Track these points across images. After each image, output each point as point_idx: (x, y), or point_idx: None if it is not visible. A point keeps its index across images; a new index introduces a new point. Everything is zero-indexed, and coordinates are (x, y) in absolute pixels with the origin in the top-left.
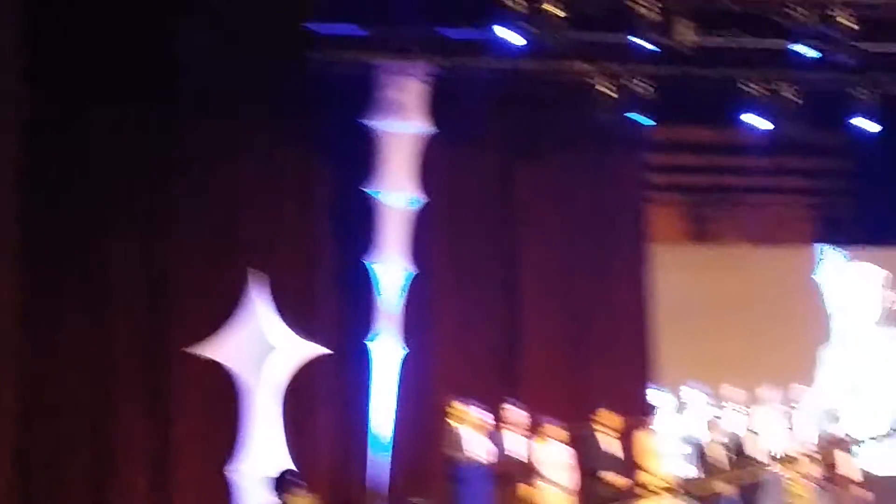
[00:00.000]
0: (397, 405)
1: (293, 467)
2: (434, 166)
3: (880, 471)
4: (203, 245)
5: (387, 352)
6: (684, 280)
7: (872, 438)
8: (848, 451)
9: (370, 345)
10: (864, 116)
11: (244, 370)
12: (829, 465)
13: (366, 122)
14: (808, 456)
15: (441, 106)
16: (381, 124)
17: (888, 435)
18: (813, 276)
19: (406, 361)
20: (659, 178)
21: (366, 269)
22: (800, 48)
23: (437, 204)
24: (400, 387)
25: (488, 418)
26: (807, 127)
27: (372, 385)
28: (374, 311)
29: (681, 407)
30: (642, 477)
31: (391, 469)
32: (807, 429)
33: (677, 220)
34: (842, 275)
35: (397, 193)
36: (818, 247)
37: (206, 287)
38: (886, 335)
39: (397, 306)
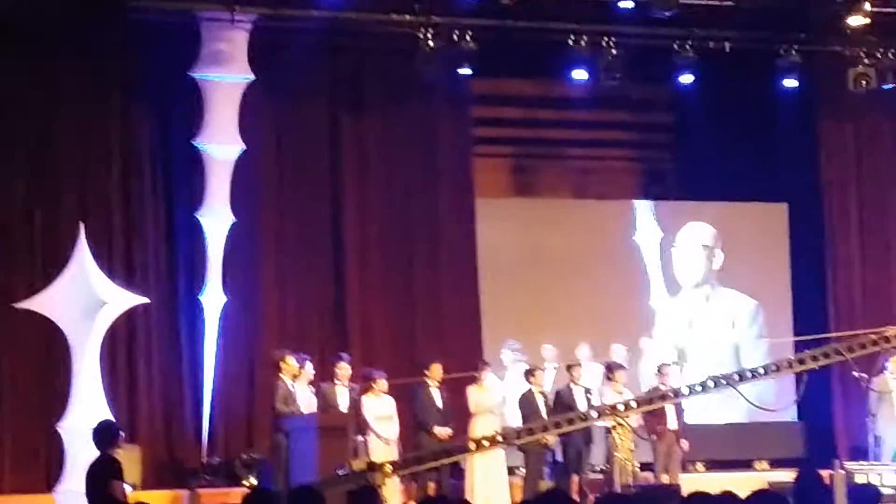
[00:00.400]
0: (224, 357)
1: (115, 419)
2: (259, 116)
3: (697, 420)
4: (27, 199)
5: (214, 303)
6: (508, 233)
7: (692, 391)
8: (668, 402)
9: (200, 297)
10: (684, 71)
11: (73, 325)
12: (650, 416)
13: (190, 73)
14: (630, 407)
15: (266, 56)
16: (206, 75)
17: (705, 387)
18: (634, 238)
19: (231, 312)
20: (482, 132)
21: (193, 222)
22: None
23: (262, 154)
24: (226, 338)
25: (315, 370)
26: (628, 81)
27: (201, 336)
28: (203, 263)
29: (507, 361)
30: (470, 429)
31: (219, 420)
32: (629, 381)
33: (501, 173)
34: (663, 233)
35: (223, 145)
36: (641, 203)
37: (33, 242)
38: (709, 293)
39: (222, 257)
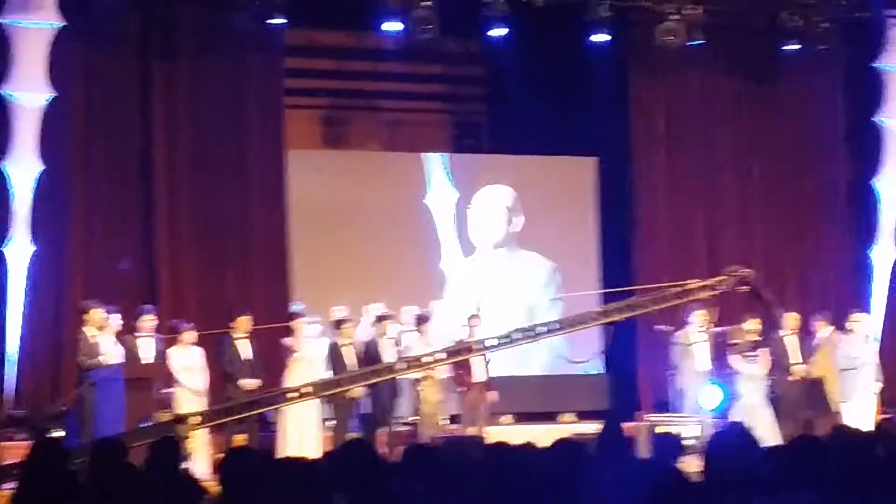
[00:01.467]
0: (31, 308)
1: None
2: (69, 63)
3: (504, 372)
4: None
5: (19, 254)
6: (319, 185)
7: (499, 343)
8: (476, 354)
9: (3, 249)
10: (497, 24)
11: None
12: (458, 369)
13: None
14: (437, 360)
15: (76, 2)
16: (13, 21)
17: (512, 339)
18: (425, 200)
19: (39, 263)
20: (294, 83)
21: None
22: None
23: (71, 102)
24: (33, 289)
25: (121, 321)
26: (441, 34)
27: (5, 288)
28: (8, 214)
29: (317, 313)
30: (284, 381)
31: (24, 372)
32: (436, 335)
33: (312, 124)
34: (472, 188)
35: (30, 92)
36: (449, 156)
37: None
38: (506, 255)
39: (30, 207)
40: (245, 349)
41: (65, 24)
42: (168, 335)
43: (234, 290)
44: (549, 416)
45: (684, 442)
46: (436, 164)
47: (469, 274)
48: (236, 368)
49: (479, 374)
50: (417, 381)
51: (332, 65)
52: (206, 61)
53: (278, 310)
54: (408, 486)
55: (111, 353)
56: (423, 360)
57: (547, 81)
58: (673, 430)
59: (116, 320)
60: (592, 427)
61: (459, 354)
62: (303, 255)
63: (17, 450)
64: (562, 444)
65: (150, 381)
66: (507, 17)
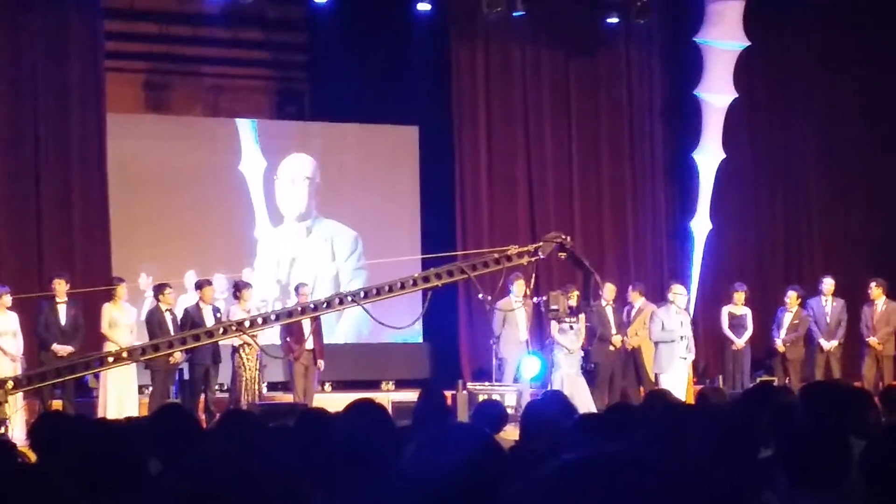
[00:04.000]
0: None
1: None
2: None
3: (331, 339)
4: None
5: None
6: (140, 150)
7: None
8: (294, 319)
9: None
10: None
11: None
12: (288, 336)
13: None
14: (256, 324)
15: None
16: None
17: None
18: (239, 168)
19: None
20: (115, 46)
21: None
22: None
23: None
24: None
25: None
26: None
27: None
28: None
29: (133, 279)
30: (105, 347)
31: None
32: (253, 303)
33: (133, 88)
34: (262, 163)
35: None
36: (265, 123)
37: None
38: (310, 225)
39: None
40: (62, 314)
41: None
42: None
43: (52, 253)
44: (368, 385)
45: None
46: (248, 130)
47: (277, 243)
48: (51, 334)
49: (308, 341)
50: (237, 348)
51: (153, 28)
52: (25, 21)
53: (97, 274)
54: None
55: None
56: (243, 324)
57: (370, 50)
58: (492, 398)
59: None
60: (411, 395)
61: (279, 319)
62: (120, 220)
63: None
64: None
65: None
66: None
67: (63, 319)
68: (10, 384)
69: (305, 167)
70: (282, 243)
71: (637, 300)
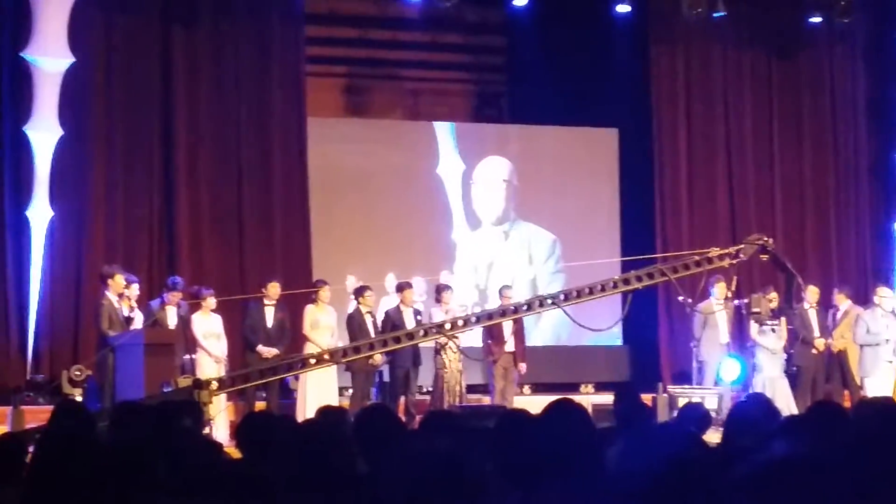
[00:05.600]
0: (50, 273)
1: None
2: (90, 28)
3: (531, 342)
4: None
5: (41, 218)
6: (340, 153)
7: (517, 310)
8: (495, 321)
9: (27, 213)
10: None
11: None
12: (489, 338)
13: None
14: (456, 326)
15: None
16: None
17: (531, 306)
18: (437, 171)
19: (58, 227)
20: (316, 50)
21: (20, 135)
22: None
23: (92, 67)
24: (53, 254)
25: (140, 287)
26: (462, 3)
27: (28, 253)
28: (30, 177)
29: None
30: (306, 349)
31: (44, 337)
32: (455, 305)
33: (334, 92)
34: (461, 166)
35: (51, 57)
36: (465, 126)
37: None
38: (508, 229)
39: (50, 172)
40: (269, 316)
41: None
42: (190, 301)
43: (254, 257)
44: (567, 387)
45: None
46: (446, 133)
47: (475, 246)
48: (257, 336)
49: (509, 343)
50: (438, 350)
51: (353, 33)
52: (228, 28)
53: (298, 277)
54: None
55: (131, 318)
56: (443, 326)
57: (568, 52)
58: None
59: (136, 286)
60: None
61: (480, 321)
62: (321, 224)
63: (38, 413)
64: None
65: (171, 346)
66: None
67: (270, 322)
68: (214, 385)
69: (502, 170)
70: (479, 247)
71: (843, 303)
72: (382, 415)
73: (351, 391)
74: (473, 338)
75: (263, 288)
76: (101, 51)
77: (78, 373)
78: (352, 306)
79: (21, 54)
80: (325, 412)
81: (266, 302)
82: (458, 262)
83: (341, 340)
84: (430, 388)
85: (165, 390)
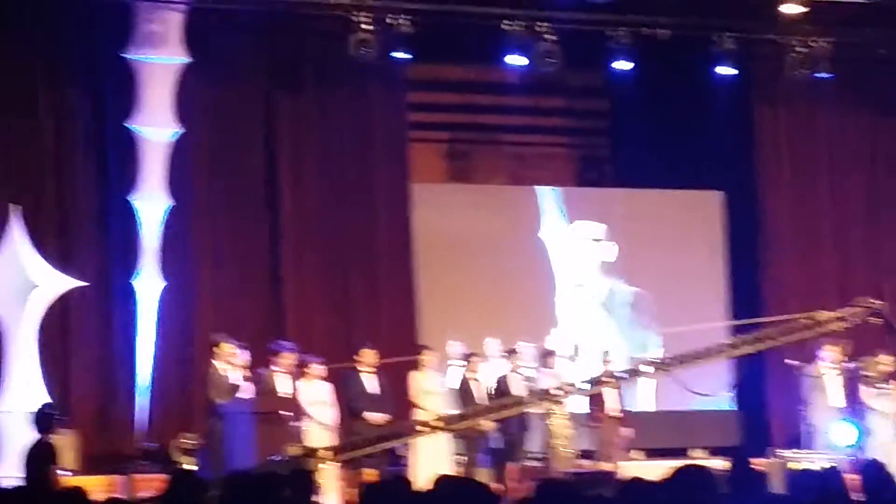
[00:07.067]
0: (160, 341)
1: (53, 402)
2: (195, 98)
3: (633, 407)
4: None
5: (148, 287)
6: (443, 218)
7: (626, 375)
8: (602, 387)
9: (133, 282)
10: (620, 57)
11: (5, 308)
12: (592, 403)
13: (124, 54)
14: (564, 392)
15: (201, 37)
16: (140, 56)
17: (639, 372)
18: (539, 235)
19: (167, 296)
20: (418, 116)
21: (127, 205)
22: None
23: (198, 136)
24: (162, 322)
25: (249, 355)
26: (564, 67)
27: (135, 321)
28: (137, 247)
29: (445, 347)
30: (413, 415)
31: (154, 405)
32: (562, 369)
33: (437, 158)
34: (564, 229)
35: (158, 127)
36: (570, 190)
37: None
38: (604, 287)
39: (159, 241)
40: (371, 383)
41: (190, 59)
42: (297, 369)
43: (360, 324)
44: (677, 452)
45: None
46: (549, 198)
47: (577, 310)
48: (361, 402)
49: (613, 408)
50: (547, 415)
51: (456, 98)
52: (331, 95)
53: (404, 342)
54: None
55: (241, 386)
56: (550, 392)
57: (671, 115)
58: (805, 466)
59: (245, 354)
60: (723, 463)
61: (588, 388)
62: (425, 288)
63: (150, 482)
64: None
65: (280, 414)
66: (630, 50)
67: (373, 388)
68: (323, 453)
69: (598, 232)
70: (581, 309)
71: None
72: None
73: (461, 457)
74: (580, 402)
75: (356, 355)
76: (206, 119)
77: (189, 441)
78: (453, 371)
79: (126, 124)
80: (444, 482)
81: (362, 368)
82: (561, 325)
83: (448, 406)
84: (540, 454)
85: (276, 459)
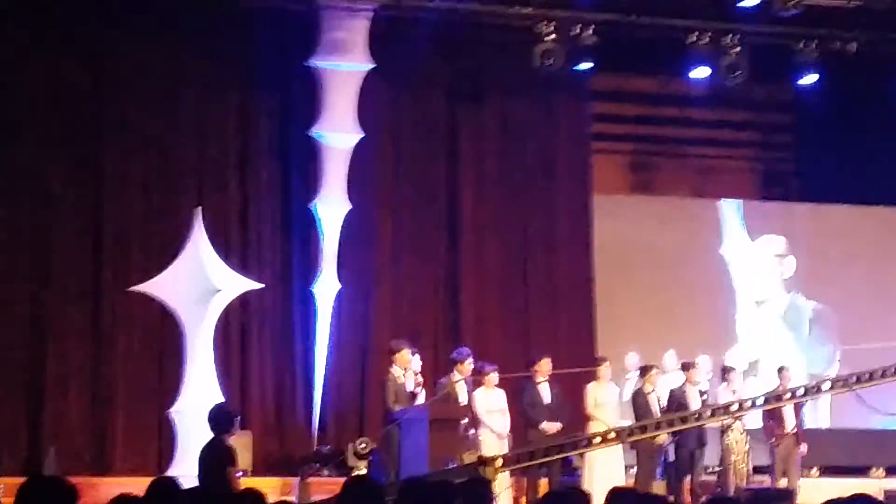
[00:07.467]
0: (336, 346)
1: (231, 405)
2: (377, 105)
3: (812, 424)
4: (145, 186)
5: (327, 292)
6: (625, 230)
7: (807, 392)
8: (784, 403)
9: (313, 286)
10: (807, 70)
11: (187, 309)
12: (769, 419)
13: (309, 61)
14: (744, 408)
15: (385, 45)
16: (325, 63)
17: (820, 389)
18: (720, 251)
19: (345, 301)
20: (601, 127)
21: (308, 210)
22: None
23: (379, 143)
24: (339, 327)
25: (423, 361)
26: (750, 80)
27: (314, 325)
28: (317, 251)
29: (623, 358)
30: (588, 426)
31: (330, 409)
32: (740, 385)
33: (619, 169)
34: (746, 244)
35: (340, 133)
36: (753, 204)
37: (150, 227)
38: (785, 303)
39: (336, 245)
40: (545, 392)
41: (375, 66)
42: (473, 377)
43: (537, 333)
44: (858, 471)
45: None
46: (732, 211)
47: (756, 325)
48: (538, 412)
49: (790, 424)
50: (724, 430)
51: (639, 110)
52: (514, 105)
53: (581, 352)
54: None
55: (417, 393)
56: (730, 408)
57: (858, 128)
58: None
59: (417, 361)
60: None
61: (767, 403)
62: (604, 300)
63: (324, 485)
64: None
65: (457, 422)
66: (817, 63)
67: (547, 398)
68: (499, 462)
69: (779, 247)
70: (761, 325)
71: None
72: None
73: (635, 469)
74: (756, 417)
75: (534, 364)
76: (388, 126)
77: (363, 446)
78: (630, 383)
79: (311, 131)
80: (618, 494)
81: (539, 378)
82: (741, 340)
83: (624, 418)
84: (716, 469)
85: (451, 467)
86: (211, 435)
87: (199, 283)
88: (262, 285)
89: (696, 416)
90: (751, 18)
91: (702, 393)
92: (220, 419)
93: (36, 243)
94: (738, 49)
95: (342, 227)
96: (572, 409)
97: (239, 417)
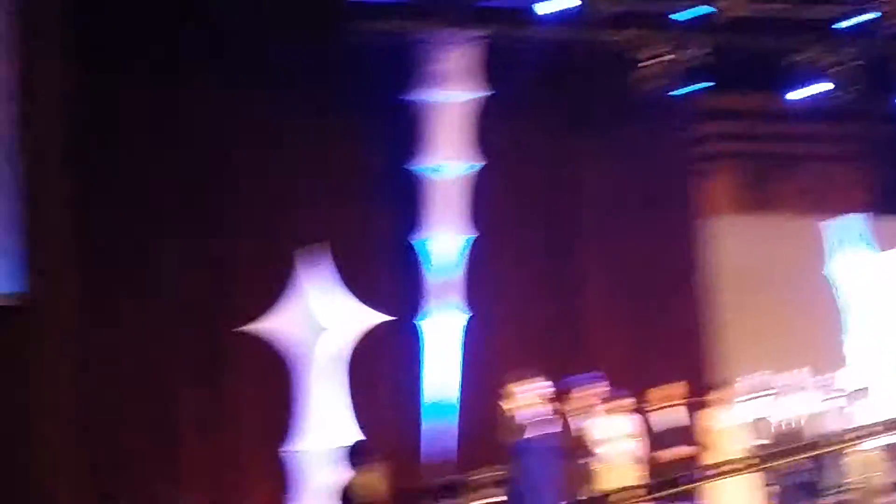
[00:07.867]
0: (464, 374)
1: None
2: (489, 133)
3: None
4: (257, 224)
5: (447, 322)
6: (739, 250)
7: None
8: None
9: (421, 322)
10: None
11: (302, 347)
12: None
13: (412, 96)
14: (870, 434)
15: (494, 73)
16: (432, 94)
17: None
18: (833, 267)
19: (469, 329)
20: (712, 147)
21: (416, 247)
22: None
23: (489, 172)
24: (465, 356)
25: (550, 390)
26: (864, 94)
27: (428, 359)
28: (438, 282)
29: (743, 384)
30: (711, 453)
31: (459, 439)
32: (874, 405)
33: (732, 189)
34: (864, 260)
35: (449, 164)
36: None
37: (261, 266)
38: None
39: (458, 274)
40: (671, 418)
41: (483, 94)
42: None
43: (659, 358)
44: None
45: None
46: (847, 229)
47: (871, 343)
48: (664, 438)
49: None
50: (859, 451)
51: (751, 128)
52: (623, 130)
53: (702, 377)
54: None
55: (543, 422)
56: (866, 430)
57: None
58: None
59: (546, 388)
60: None
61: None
62: (723, 322)
63: None
64: None
65: (584, 451)
66: None
67: (673, 423)
68: (629, 492)
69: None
70: (881, 343)
71: None
72: None
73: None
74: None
75: (656, 389)
76: (498, 154)
77: (493, 475)
78: (751, 406)
79: (421, 159)
80: None
81: (663, 404)
82: (860, 360)
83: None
84: (850, 488)
85: (581, 499)
86: (348, 471)
87: (308, 323)
88: (383, 318)
89: (831, 441)
90: (862, 35)
91: (832, 413)
92: (356, 455)
93: None
94: (852, 63)
95: (461, 256)
96: (697, 434)
97: (373, 452)
